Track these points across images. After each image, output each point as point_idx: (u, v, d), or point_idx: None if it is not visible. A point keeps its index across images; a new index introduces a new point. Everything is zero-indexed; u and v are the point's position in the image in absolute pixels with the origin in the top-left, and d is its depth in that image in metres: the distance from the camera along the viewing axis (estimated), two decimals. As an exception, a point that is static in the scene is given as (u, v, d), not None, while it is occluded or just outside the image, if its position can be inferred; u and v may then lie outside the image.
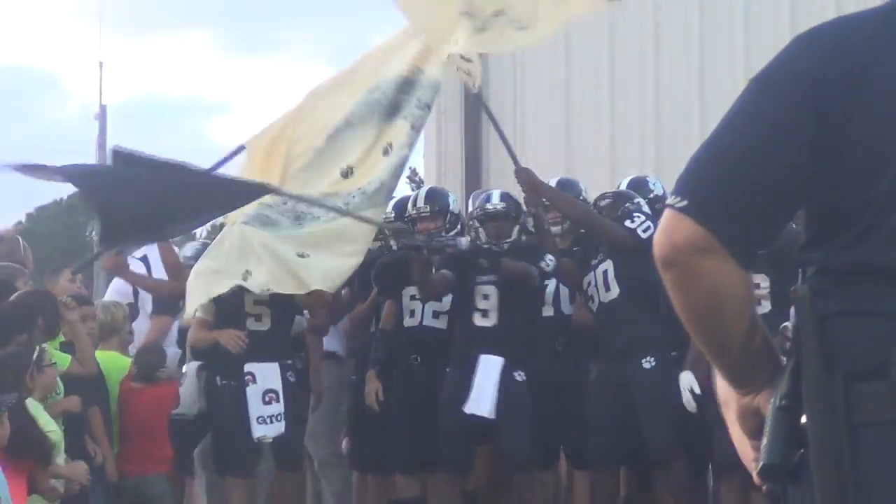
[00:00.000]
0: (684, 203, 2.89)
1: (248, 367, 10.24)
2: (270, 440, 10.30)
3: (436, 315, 10.47)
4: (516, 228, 10.39)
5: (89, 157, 35.01)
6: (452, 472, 10.26)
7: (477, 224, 10.41)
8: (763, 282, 8.79)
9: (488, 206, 10.43)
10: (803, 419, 2.85)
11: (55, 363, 9.32)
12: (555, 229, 10.57)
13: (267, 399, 10.25)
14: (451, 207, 10.85)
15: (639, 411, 9.55)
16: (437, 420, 10.11)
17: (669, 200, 2.92)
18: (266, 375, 10.28)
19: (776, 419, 2.90)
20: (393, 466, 10.54)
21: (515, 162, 9.90)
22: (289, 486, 10.84)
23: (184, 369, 10.75)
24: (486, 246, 10.15)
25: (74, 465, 9.21)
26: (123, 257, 11.22)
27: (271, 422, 10.24)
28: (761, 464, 2.90)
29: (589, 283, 10.01)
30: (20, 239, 11.25)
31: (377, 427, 10.50)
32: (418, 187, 17.12)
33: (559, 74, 14.07)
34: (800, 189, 2.91)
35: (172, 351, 11.18)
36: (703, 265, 2.89)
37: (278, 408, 10.23)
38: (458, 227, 10.78)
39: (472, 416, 9.83)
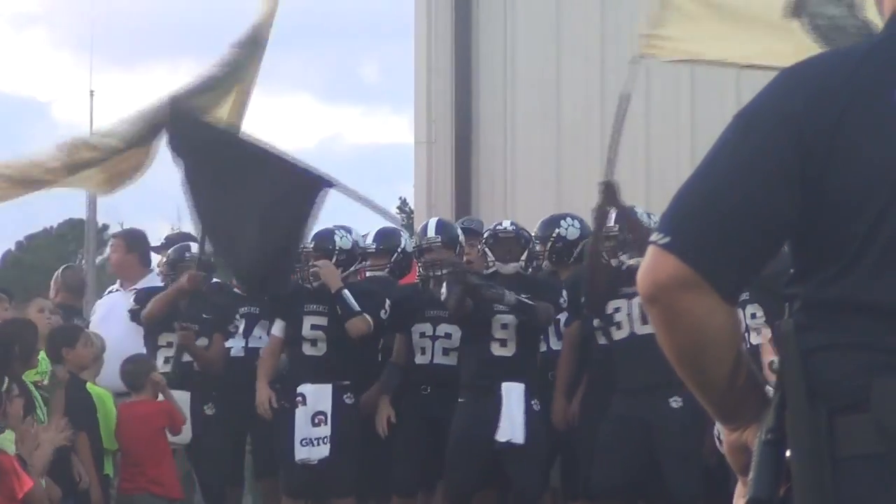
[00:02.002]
0: (668, 240, 2.89)
1: (300, 389, 10.32)
2: (315, 462, 10.26)
3: (446, 352, 10.51)
4: (525, 253, 10.42)
5: (78, 194, 35.07)
6: (455, 500, 10.30)
7: (486, 247, 10.48)
8: (758, 311, 8.78)
9: (499, 228, 10.53)
10: (788, 453, 2.85)
11: (19, 395, 9.30)
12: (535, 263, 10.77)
13: (316, 421, 10.26)
14: (459, 238, 10.89)
15: (662, 452, 9.53)
16: (446, 448, 10.12)
17: (653, 237, 2.92)
18: (318, 397, 10.30)
19: (761, 453, 2.89)
20: (392, 491, 10.60)
21: (609, 173, 9.91)
22: None
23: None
24: (522, 296, 10.14)
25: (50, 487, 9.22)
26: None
27: (316, 444, 10.24)
28: (748, 498, 2.89)
29: (618, 311, 9.99)
30: None
31: (378, 452, 10.50)
32: (408, 217, 17.11)
33: (549, 100, 14.08)
34: (783, 225, 2.91)
35: None
36: (687, 302, 2.89)
37: (325, 430, 10.23)
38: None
39: (486, 446, 9.90)
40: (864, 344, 2.85)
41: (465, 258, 10.69)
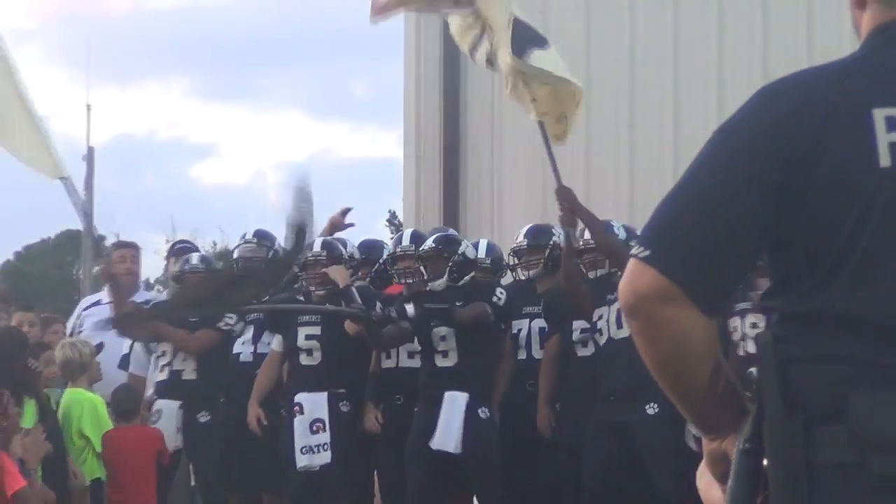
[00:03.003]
0: (648, 253, 2.90)
1: (297, 398, 10.36)
2: (317, 468, 10.30)
3: (411, 355, 10.50)
4: (448, 268, 10.36)
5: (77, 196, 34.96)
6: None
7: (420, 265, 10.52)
8: (759, 321, 8.76)
9: (424, 246, 10.55)
10: (765, 462, 2.85)
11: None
12: (533, 272, 10.69)
13: (314, 429, 10.31)
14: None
15: (642, 456, 9.51)
16: (405, 456, 10.17)
17: (634, 250, 2.93)
18: (314, 406, 10.34)
19: (739, 462, 2.91)
20: (383, 498, 10.65)
21: (558, 180, 9.85)
22: None
23: (157, 407, 10.78)
24: (427, 304, 10.16)
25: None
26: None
27: (317, 451, 10.29)
28: None
29: (600, 317, 9.96)
30: None
31: (364, 459, 10.55)
32: (398, 230, 17.12)
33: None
34: (761, 239, 2.92)
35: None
36: (666, 314, 2.90)
37: (325, 437, 10.28)
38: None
39: (439, 451, 9.88)
40: (840, 356, 2.86)
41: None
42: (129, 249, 12.42)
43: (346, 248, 10.93)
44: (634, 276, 2.91)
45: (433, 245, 10.47)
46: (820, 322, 2.89)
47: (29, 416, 9.62)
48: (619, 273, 9.69)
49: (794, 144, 2.88)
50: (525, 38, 9.78)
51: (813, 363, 2.87)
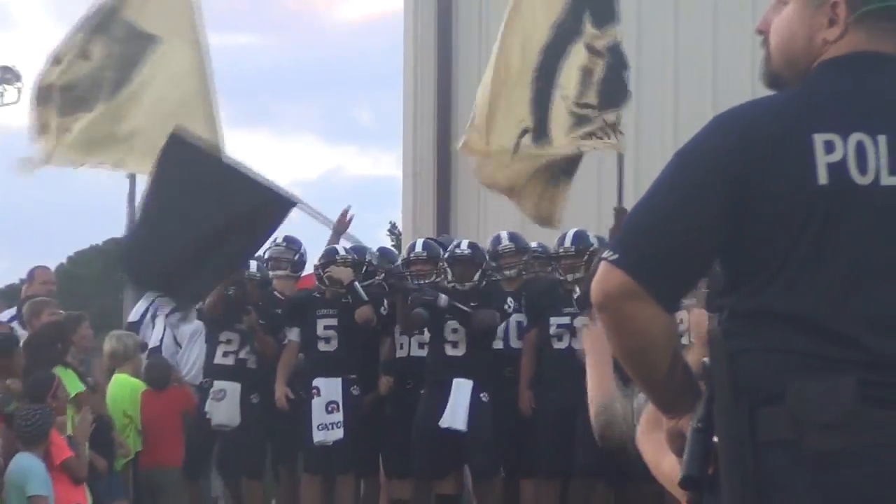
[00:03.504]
0: (616, 256, 2.88)
1: (315, 382, 10.44)
2: (330, 443, 10.35)
3: (421, 346, 10.55)
4: (479, 272, 10.42)
5: (121, 205, 34.82)
6: (426, 479, 10.31)
7: (446, 265, 10.51)
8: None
9: (456, 251, 10.57)
10: (716, 439, 2.84)
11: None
12: (508, 272, 10.74)
13: (329, 409, 10.35)
14: (441, 255, 10.88)
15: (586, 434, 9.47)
16: (411, 434, 10.18)
17: (604, 254, 2.91)
18: (330, 389, 10.39)
19: (693, 439, 2.89)
20: (389, 471, 10.72)
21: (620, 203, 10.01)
22: (348, 487, 10.75)
23: (220, 387, 10.72)
24: (456, 303, 10.21)
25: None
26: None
27: (331, 428, 10.33)
28: (682, 475, 2.89)
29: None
30: None
31: (371, 436, 10.60)
32: (397, 238, 17.08)
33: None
34: (714, 246, 2.90)
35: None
36: (631, 309, 2.87)
37: (338, 416, 10.33)
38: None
39: (446, 429, 9.93)
40: (780, 348, 2.84)
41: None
42: None
43: (366, 255, 11.03)
44: (604, 276, 2.89)
45: (468, 251, 10.56)
46: (763, 318, 2.87)
47: (72, 385, 9.69)
48: None
49: (744, 165, 2.86)
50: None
51: (757, 354, 2.85)
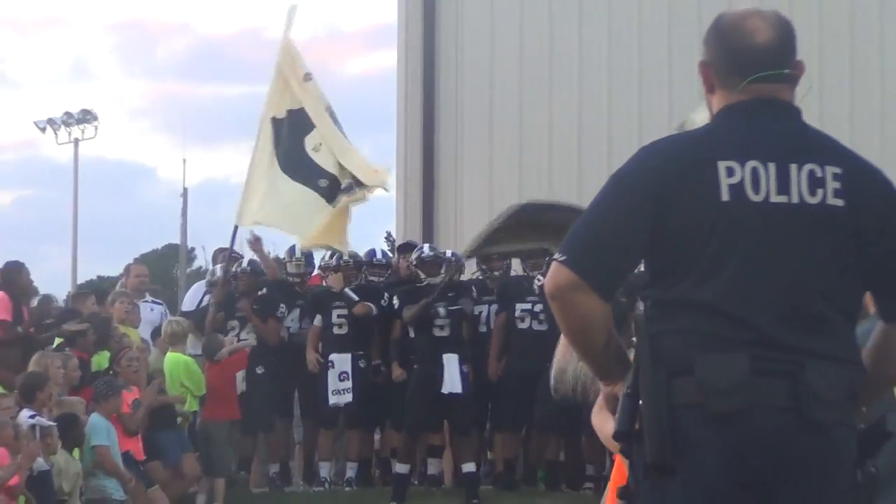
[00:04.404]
0: (564, 258, 2.89)
1: (331, 357, 10.51)
2: (342, 405, 10.40)
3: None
4: (441, 269, 10.41)
5: (175, 226, 34.73)
6: (419, 433, 10.34)
7: (415, 265, 10.57)
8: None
9: (422, 254, 10.61)
10: (641, 402, 2.84)
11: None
12: (496, 273, 10.74)
13: (341, 377, 10.39)
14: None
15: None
16: (405, 398, 10.15)
17: (555, 256, 2.91)
18: (342, 362, 10.43)
19: (624, 402, 2.89)
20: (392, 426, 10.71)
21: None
22: (356, 438, 10.78)
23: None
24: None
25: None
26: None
27: (343, 393, 10.37)
28: (615, 430, 2.89)
29: (522, 309, 10.13)
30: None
31: (373, 400, 10.58)
32: (392, 245, 17.02)
33: (484, 174, 14.07)
34: (639, 249, 2.90)
35: None
36: (575, 299, 2.87)
37: (348, 384, 10.36)
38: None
39: (442, 394, 9.93)
40: (690, 330, 2.84)
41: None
42: (226, 251, 12.35)
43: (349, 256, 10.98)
44: (555, 273, 2.89)
45: (431, 254, 10.60)
46: (677, 306, 2.87)
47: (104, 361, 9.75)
48: None
49: (662, 186, 2.87)
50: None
51: (673, 335, 2.85)
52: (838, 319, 2.85)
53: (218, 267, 11.44)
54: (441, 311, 10.15)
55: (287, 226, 10.98)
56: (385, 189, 11.24)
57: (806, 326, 2.81)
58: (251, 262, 11.39)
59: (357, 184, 10.80)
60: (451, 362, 10.04)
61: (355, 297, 10.54)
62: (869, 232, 2.87)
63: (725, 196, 2.84)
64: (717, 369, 2.77)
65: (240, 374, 10.65)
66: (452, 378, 9.99)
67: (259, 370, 10.75)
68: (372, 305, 10.55)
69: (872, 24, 13.13)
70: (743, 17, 2.96)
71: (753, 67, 2.93)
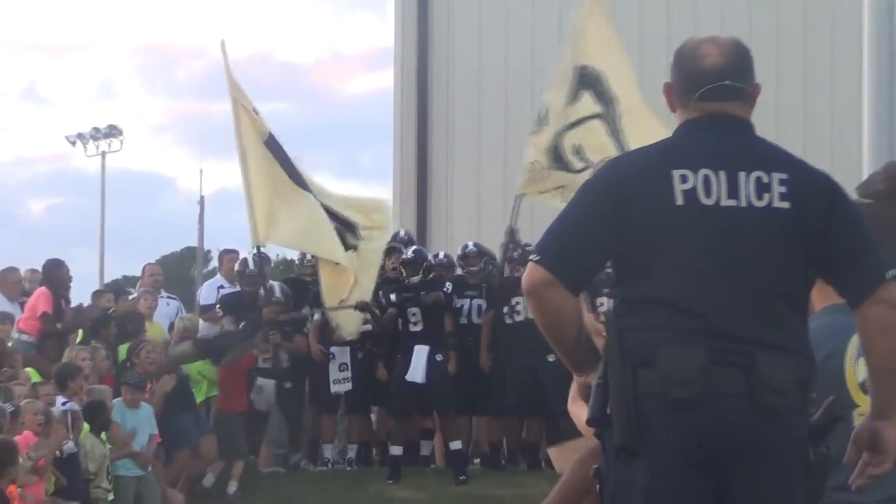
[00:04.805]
0: (539, 258, 2.89)
1: (332, 350, 10.40)
2: (342, 392, 10.38)
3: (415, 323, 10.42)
4: (422, 269, 10.40)
5: (192, 231, 34.62)
6: (406, 416, 10.33)
7: (400, 266, 10.49)
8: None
9: (404, 256, 10.55)
10: (610, 391, 2.83)
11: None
12: (473, 269, 10.63)
13: (341, 368, 10.36)
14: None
15: (545, 385, 9.42)
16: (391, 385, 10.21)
17: (531, 257, 2.92)
18: (341, 354, 10.37)
19: (595, 391, 2.89)
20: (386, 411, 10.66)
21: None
22: (355, 422, 10.76)
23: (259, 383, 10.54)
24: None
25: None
26: None
27: (343, 382, 10.35)
28: (588, 416, 2.89)
29: (518, 303, 9.93)
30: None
31: (368, 386, 10.54)
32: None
33: (471, 186, 14.06)
34: (605, 249, 2.90)
35: None
36: (549, 294, 2.87)
37: (347, 374, 10.34)
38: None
39: (412, 382, 9.96)
40: (653, 325, 2.83)
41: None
42: (234, 253, 12.29)
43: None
44: (531, 272, 2.89)
45: (412, 255, 10.53)
46: (641, 303, 2.86)
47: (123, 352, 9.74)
48: None
49: (622, 192, 2.87)
50: None
51: (638, 330, 2.84)
52: (787, 312, 2.85)
53: (250, 259, 10.84)
54: (413, 308, 10.15)
55: (314, 248, 10.48)
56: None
57: (758, 319, 2.81)
58: (255, 260, 10.92)
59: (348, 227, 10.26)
60: (419, 353, 10.03)
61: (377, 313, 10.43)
62: (815, 231, 2.86)
63: (680, 200, 2.85)
64: (676, 361, 2.77)
65: (269, 388, 10.44)
66: (417, 368, 9.98)
67: (287, 385, 10.62)
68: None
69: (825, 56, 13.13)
70: (698, 43, 2.98)
71: (701, 86, 2.94)
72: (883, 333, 2.82)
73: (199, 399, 10.12)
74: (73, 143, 34.50)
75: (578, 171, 9.61)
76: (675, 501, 2.76)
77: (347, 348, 10.44)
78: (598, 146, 9.61)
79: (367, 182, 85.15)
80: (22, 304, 10.36)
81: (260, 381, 10.48)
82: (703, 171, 2.86)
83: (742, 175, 2.86)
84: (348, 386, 10.35)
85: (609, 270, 3.00)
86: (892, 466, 2.88)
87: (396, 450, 10.19)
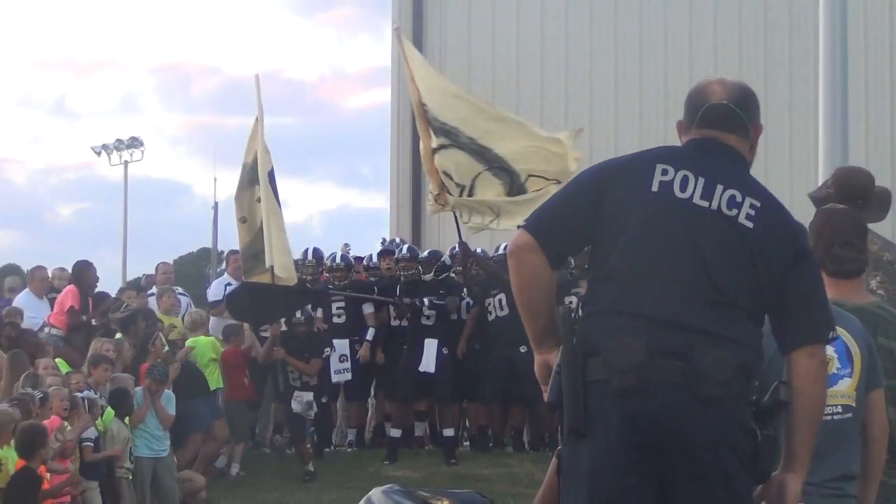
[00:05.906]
0: (526, 224, 2.95)
1: (333, 342, 10.36)
2: (343, 382, 10.39)
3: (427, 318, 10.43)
4: (436, 267, 10.41)
5: (207, 234, 34.58)
6: (407, 401, 10.36)
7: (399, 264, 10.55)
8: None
9: (399, 255, 10.65)
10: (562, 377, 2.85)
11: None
12: (460, 269, 10.62)
13: (341, 359, 10.35)
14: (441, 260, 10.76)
15: (519, 374, 9.46)
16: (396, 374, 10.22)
17: (521, 224, 3.01)
18: (341, 346, 10.36)
19: (554, 378, 2.89)
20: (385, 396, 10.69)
21: (459, 236, 9.33)
22: (354, 409, 10.80)
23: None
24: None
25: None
26: None
27: (343, 372, 10.35)
28: (546, 401, 2.92)
29: (490, 304, 10.13)
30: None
31: (367, 376, 10.63)
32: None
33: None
34: (585, 226, 2.91)
35: None
36: (528, 257, 2.89)
37: (347, 364, 10.34)
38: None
39: (424, 372, 9.98)
40: (604, 311, 2.81)
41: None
42: (234, 253, 12.27)
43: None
44: (517, 235, 2.91)
45: (408, 255, 10.60)
46: (597, 285, 2.86)
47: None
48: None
49: (606, 176, 2.92)
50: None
51: (590, 318, 2.85)
52: (733, 310, 2.80)
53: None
54: (426, 302, 10.19)
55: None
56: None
57: (701, 311, 2.77)
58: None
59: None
60: (430, 346, 10.08)
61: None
62: (766, 259, 2.82)
63: (655, 188, 2.84)
64: (618, 351, 2.78)
65: (308, 399, 10.06)
66: (428, 359, 10.03)
67: (324, 399, 10.40)
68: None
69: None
70: (707, 84, 3.01)
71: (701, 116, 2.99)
72: (813, 384, 2.82)
73: (212, 387, 10.22)
74: (99, 153, 34.52)
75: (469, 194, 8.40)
76: (616, 482, 2.74)
77: (346, 341, 10.50)
78: (464, 166, 8.33)
79: (366, 189, 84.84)
80: (51, 301, 10.55)
81: (300, 394, 10.08)
82: (684, 171, 2.86)
83: (720, 187, 2.85)
84: (348, 376, 10.45)
85: (574, 270, 3.12)
86: None
87: (396, 432, 10.25)
